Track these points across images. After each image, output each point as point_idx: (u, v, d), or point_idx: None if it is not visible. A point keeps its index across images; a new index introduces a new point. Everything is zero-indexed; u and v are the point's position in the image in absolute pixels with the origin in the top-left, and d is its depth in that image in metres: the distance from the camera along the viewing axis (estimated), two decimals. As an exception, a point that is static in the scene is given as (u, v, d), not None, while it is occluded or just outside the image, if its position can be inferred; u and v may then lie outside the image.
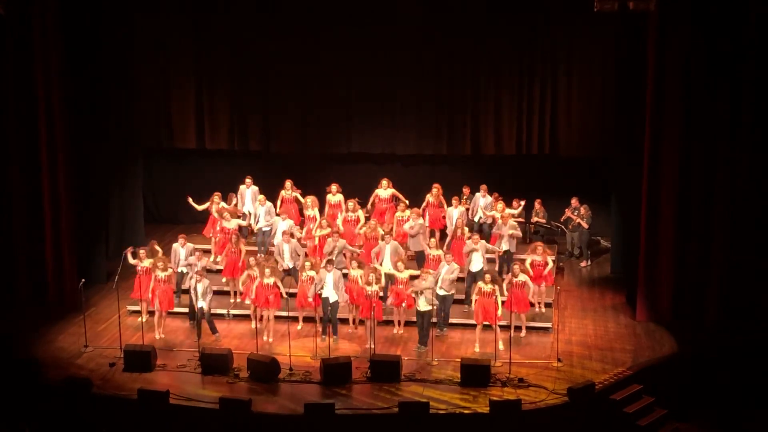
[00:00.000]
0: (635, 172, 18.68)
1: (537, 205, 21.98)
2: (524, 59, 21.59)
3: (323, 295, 17.59)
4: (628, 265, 19.75)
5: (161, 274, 17.87)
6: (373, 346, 16.94)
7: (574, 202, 21.68)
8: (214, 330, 17.76)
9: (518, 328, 17.74)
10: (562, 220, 21.79)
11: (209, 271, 19.10)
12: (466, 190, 22.02)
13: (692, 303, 18.32)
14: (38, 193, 19.22)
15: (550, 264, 18.41)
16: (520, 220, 21.91)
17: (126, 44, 21.32)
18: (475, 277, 18.20)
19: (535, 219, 21.96)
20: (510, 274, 17.67)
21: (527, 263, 18.23)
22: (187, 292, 18.29)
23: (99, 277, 20.46)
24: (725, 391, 16.78)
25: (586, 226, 21.49)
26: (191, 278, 17.79)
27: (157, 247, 18.77)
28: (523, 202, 21.27)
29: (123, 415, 15.61)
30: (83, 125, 19.91)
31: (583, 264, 21.67)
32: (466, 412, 15.18)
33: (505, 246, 19.28)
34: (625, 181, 19.84)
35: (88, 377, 16.11)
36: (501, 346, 17.04)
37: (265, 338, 17.60)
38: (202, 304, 17.44)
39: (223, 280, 19.41)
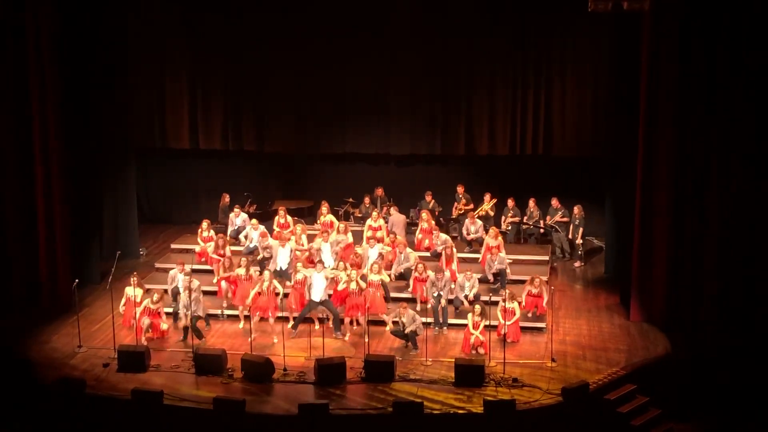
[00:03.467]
0: (629, 172, 18.69)
1: (531, 204, 21.99)
2: (518, 59, 21.65)
3: (311, 297, 17.68)
4: (622, 265, 19.77)
5: (152, 306, 17.70)
6: (367, 340, 17.05)
7: (554, 203, 21.73)
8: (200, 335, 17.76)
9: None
10: (553, 224, 21.81)
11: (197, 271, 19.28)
12: (460, 189, 22.07)
13: (686, 303, 18.32)
14: (32, 193, 19.17)
15: (546, 297, 18.28)
16: (514, 220, 21.94)
17: (120, 44, 21.27)
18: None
19: (530, 220, 21.94)
20: (501, 300, 17.52)
21: (524, 295, 18.20)
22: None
23: (93, 278, 20.43)
24: (719, 391, 16.79)
25: (559, 219, 21.54)
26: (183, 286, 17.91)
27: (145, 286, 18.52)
28: (494, 200, 21.38)
29: (117, 416, 15.58)
30: (77, 125, 19.85)
31: (576, 264, 21.69)
32: (460, 412, 15.18)
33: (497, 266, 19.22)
34: (619, 181, 19.84)
35: (81, 377, 16.07)
36: (481, 351, 17.11)
37: (275, 340, 17.57)
38: (196, 311, 17.57)
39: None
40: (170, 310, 18.32)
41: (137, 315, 17.55)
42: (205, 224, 20.64)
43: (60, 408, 15.74)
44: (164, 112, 22.71)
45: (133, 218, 22.51)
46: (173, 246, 21.77)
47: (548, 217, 21.82)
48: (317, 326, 17.98)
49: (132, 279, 18.15)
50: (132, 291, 18.00)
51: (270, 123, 22.73)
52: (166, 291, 18.66)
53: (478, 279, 18.81)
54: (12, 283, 19.46)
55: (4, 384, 16.36)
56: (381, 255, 19.18)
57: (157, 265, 20.87)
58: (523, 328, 17.98)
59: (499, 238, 19.67)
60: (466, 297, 18.25)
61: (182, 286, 18.23)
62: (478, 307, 17.14)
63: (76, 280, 17.94)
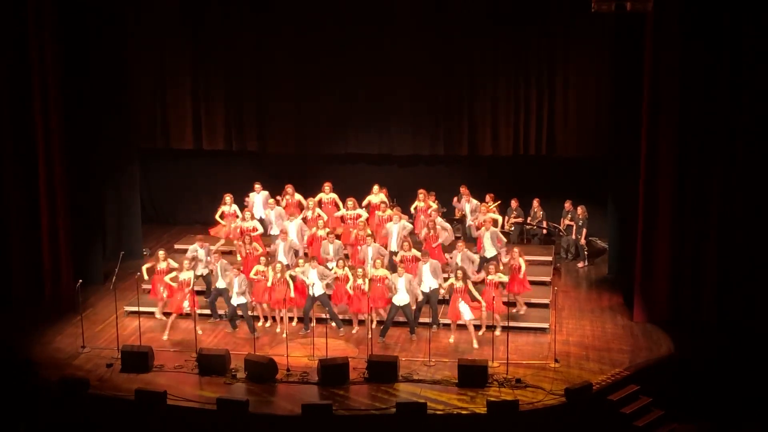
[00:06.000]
0: (632, 173, 18.70)
1: (535, 205, 22.01)
2: (521, 60, 21.63)
3: (309, 292, 17.72)
4: (625, 265, 19.77)
5: (183, 276, 17.85)
6: (370, 336, 17.18)
7: (567, 205, 21.75)
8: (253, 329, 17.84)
9: (493, 327, 17.79)
10: (564, 227, 21.83)
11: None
12: (463, 190, 22.03)
13: (689, 303, 18.35)
14: (35, 193, 19.20)
15: (524, 267, 18.19)
16: (518, 220, 21.95)
17: (122, 45, 21.31)
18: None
19: (534, 220, 21.96)
20: (484, 272, 17.72)
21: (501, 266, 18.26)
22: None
23: (96, 278, 20.43)
24: (722, 391, 16.79)
25: (568, 222, 21.63)
26: (225, 275, 17.98)
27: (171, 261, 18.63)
28: (498, 202, 21.32)
29: (120, 416, 15.60)
30: (80, 126, 19.88)
31: (580, 265, 21.69)
32: (463, 412, 15.19)
33: (489, 253, 19.06)
34: (622, 181, 19.86)
35: (85, 378, 16.09)
36: (475, 345, 17.26)
37: (284, 334, 17.64)
38: (240, 300, 17.65)
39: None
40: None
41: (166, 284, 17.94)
42: (228, 198, 20.49)
43: (63, 408, 15.76)
44: (167, 113, 22.71)
45: (136, 218, 22.53)
46: (176, 246, 21.75)
47: (562, 220, 21.86)
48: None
49: (159, 253, 18.41)
50: (160, 264, 18.27)
51: (272, 123, 22.73)
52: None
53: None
54: (15, 283, 19.49)
55: (7, 384, 16.37)
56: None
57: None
58: (526, 329, 18.02)
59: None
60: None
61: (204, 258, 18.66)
62: (459, 272, 17.24)
63: (80, 281, 17.97)
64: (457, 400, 15.49)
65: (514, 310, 18.19)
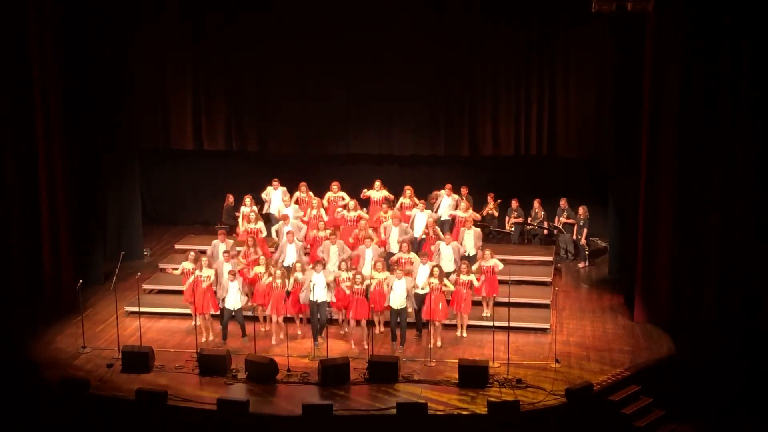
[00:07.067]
0: (633, 173, 18.70)
1: (536, 205, 22.01)
2: (522, 60, 21.58)
3: (312, 298, 17.40)
4: (626, 266, 19.76)
5: (204, 276, 17.63)
6: (366, 345, 17.10)
7: (563, 203, 21.76)
8: (244, 333, 17.75)
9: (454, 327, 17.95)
10: (562, 226, 21.84)
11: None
12: (464, 191, 22.02)
13: (690, 304, 18.34)
14: (35, 194, 19.21)
15: (500, 265, 18.11)
16: (518, 220, 21.94)
17: (122, 46, 21.31)
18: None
19: (535, 221, 21.97)
20: (457, 272, 17.69)
21: (474, 267, 18.09)
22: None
23: (97, 278, 20.43)
24: (723, 391, 16.79)
25: (565, 220, 21.65)
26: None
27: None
28: (499, 201, 21.27)
29: (121, 416, 15.60)
30: (80, 126, 19.89)
31: (581, 265, 21.69)
32: (464, 413, 15.18)
33: (471, 252, 19.04)
34: (623, 182, 19.86)
35: (85, 378, 16.09)
36: (438, 343, 17.37)
37: (273, 342, 17.69)
38: (236, 304, 17.50)
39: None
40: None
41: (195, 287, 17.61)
42: (248, 200, 20.38)
43: (63, 408, 15.76)
44: (168, 114, 22.67)
45: (137, 219, 22.54)
46: (177, 246, 21.78)
47: (557, 218, 21.88)
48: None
49: (190, 254, 18.09)
50: (190, 265, 17.99)
51: (273, 124, 22.71)
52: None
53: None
54: (15, 283, 19.50)
55: (7, 384, 16.37)
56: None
57: (161, 265, 20.90)
58: (527, 329, 18.01)
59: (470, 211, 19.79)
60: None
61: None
62: (436, 270, 17.22)
63: (80, 281, 17.96)
64: (457, 401, 15.48)
65: (484, 314, 18.13)
